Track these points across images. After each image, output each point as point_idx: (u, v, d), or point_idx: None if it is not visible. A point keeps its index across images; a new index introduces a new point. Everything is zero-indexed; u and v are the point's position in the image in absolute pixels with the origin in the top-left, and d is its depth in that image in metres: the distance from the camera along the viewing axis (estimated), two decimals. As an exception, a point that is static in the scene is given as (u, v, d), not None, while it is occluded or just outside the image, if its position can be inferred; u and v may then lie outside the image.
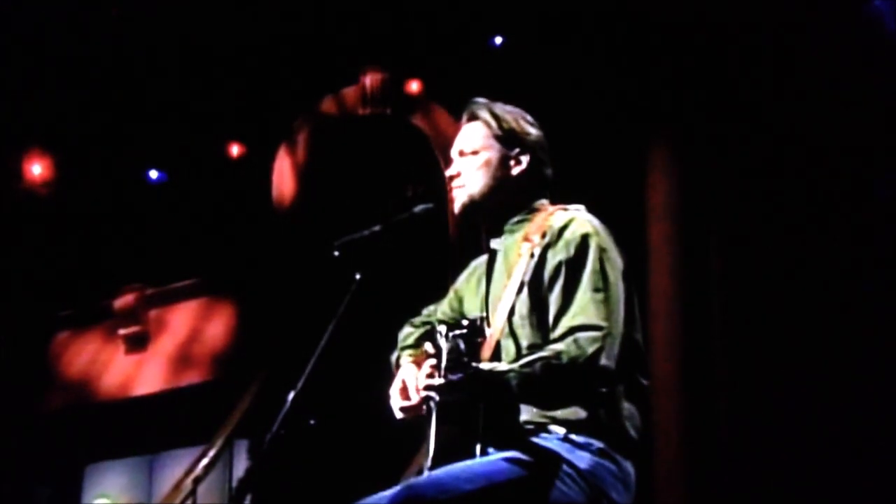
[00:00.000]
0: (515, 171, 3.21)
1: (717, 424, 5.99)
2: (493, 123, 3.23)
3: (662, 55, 6.41)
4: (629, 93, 6.54)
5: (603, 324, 2.95)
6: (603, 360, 2.91)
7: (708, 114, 6.23)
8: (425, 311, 3.47)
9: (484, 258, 3.32)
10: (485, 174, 3.20)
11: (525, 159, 3.21)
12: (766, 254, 6.01)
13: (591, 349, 2.91)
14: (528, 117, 3.29)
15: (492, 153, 3.21)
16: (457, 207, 3.23)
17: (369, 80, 7.80)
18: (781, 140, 6.00)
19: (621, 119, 6.58)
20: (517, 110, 3.29)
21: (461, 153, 3.25)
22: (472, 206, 3.21)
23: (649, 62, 6.46)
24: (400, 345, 3.40)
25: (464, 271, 3.41)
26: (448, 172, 3.26)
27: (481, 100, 3.29)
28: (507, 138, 3.22)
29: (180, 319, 8.38)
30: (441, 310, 3.41)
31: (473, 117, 3.27)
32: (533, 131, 3.26)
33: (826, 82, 5.92)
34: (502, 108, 3.27)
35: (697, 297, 6.17)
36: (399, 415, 3.21)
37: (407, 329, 3.44)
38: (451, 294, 3.41)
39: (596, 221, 3.14)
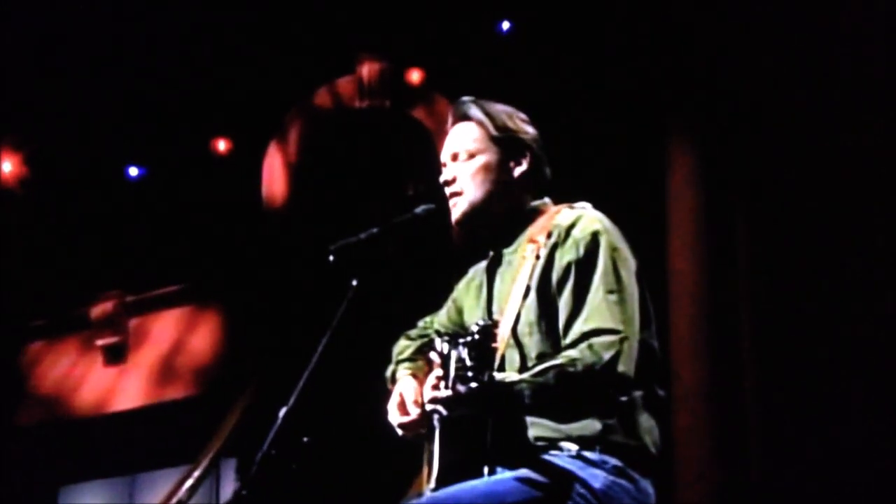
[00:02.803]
0: (516, 173, 3.22)
1: (745, 438, 5.98)
2: (489, 123, 3.23)
3: (681, 42, 6.42)
4: (647, 82, 6.55)
5: (619, 327, 2.96)
6: (621, 367, 2.93)
7: (730, 106, 6.23)
8: (421, 323, 3.48)
9: (483, 264, 3.33)
10: (484, 179, 3.20)
11: (525, 160, 3.22)
12: (796, 250, 6.01)
13: (607, 355, 2.92)
14: (521, 114, 3.29)
15: (490, 156, 3.22)
16: (455, 216, 3.23)
17: (366, 69, 7.81)
18: (806, 131, 6.01)
19: (639, 111, 6.59)
20: (509, 108, 3.29)
21: (454, 157, 3.24)
22: (472, 214, 3.21)
23: (667, 50, 6.47)
24: (395, 359, 3.40)
25: (462, 279, 3.42)
26: (442, 178, 3.26)
27: (469, 98, 3.28)
28: (505, 139, 3.22)
29: (163, 329, 8.40)
30: (438, 321, 3.42)
31: (464, 117, 3.27)
32: (529, 129, 3.27)
33: (850, 70, 5.94)
34: (494, 106, 3.27)
35: (723, 300, 6.16)
36: (399, 432, 3.22)
37: (402, 342, 3.44)
38: (449, 304, 3.41)
39: (605, 219, 3.15)
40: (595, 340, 2.94)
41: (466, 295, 3.35)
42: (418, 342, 3.40)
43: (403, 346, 3.42)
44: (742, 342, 6.06)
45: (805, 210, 6.01)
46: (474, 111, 3.26)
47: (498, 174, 3.22)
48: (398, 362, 3.38)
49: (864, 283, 5.83)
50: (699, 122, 6.39)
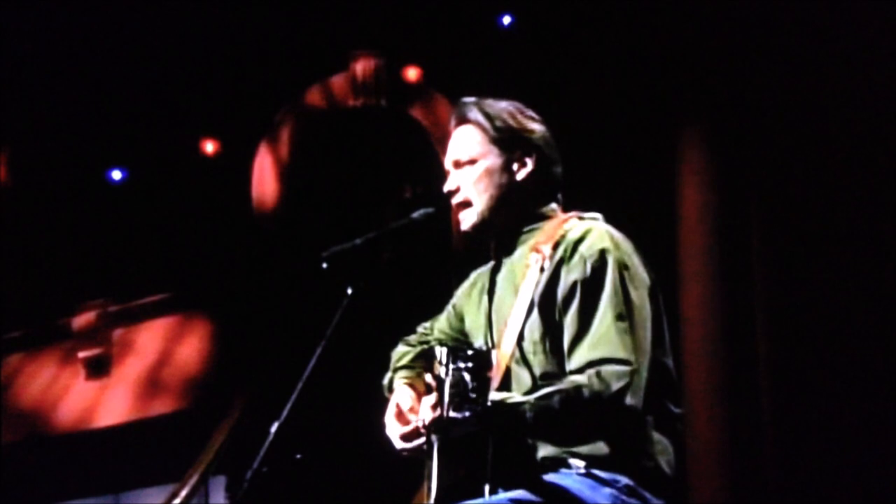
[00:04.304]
0: (521, 175, 3.20)
1: (762, 454, 5.99)
2: (487, 125, 3.21)
3: (690, 39, 6.42)
4: (656, 80, 6.55)
5: (629, 357, 2.95)
6: (629, 399, 2.93)
7: (742, 107, 6.23)
8: (421, 328, 3.47)
9: (486, 268, 3.32)
10: (487, 186, 3.19)
11: (530, 160, 3.20)
12: (812, 253, 6.01)
13: (616, 386, 2.92)
14: (528, 111, 3.26)
15: (491, 160, 3.20)
16: (464, 227, 3.23)
17: (361, 66, 7.82)
18: (821, 133, 6.02)
19: (648, 111, 6.59)
20: (514, 104, 3.26)
21: (457, 164, 3.24)
22: (481, 226, 3.21)
23: (677, 46, 6.47)
24: (393, 366, 3.40)
25: (463, 283, 3.41)
26: (446, 188, 3.25)
27: (470, 99, 3.26)
28: (507, 139, 3.20)
29: (148, 340, 8.39)
30: (439, 327, 3.42)
31: (463, 120, 3.25)
32: (535, 126, 3.23)
33: (865, 69, 5.95)
34: (496, 105, 3.24)
35: (737, 309, 6.17)
36: (398, 444, 3.22)
37: (401, 348, 3.44)
38: (449, 309, 3.41)
39: (616, 233, 3.13)
40: (604, 368, 2.94)
41: (468, 301, 3.35)
42: (418, 348, 3.40)
43: (402, 353, 3.42)
44: (758, 351, 6.06)
45: (820, 213, 6.02)
46: (472, 113, 3.24)
47: (500, 178, 3.20)
48: (396, 370, 3.38)
49: (886, 287, 5.84)
50: (711, 123, 6.40)
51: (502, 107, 3.25)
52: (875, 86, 5.97)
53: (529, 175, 3.21)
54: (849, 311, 5.88)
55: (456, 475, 2.98)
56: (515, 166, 3.21)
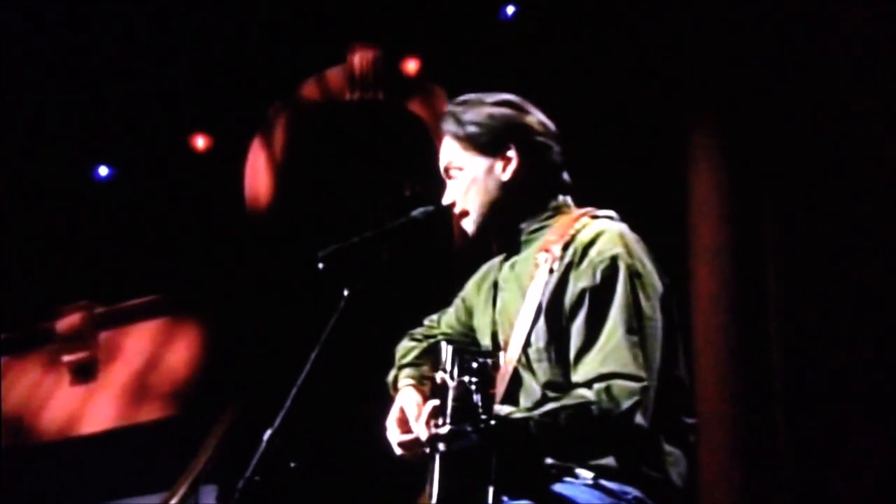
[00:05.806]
0: (507, 174, 3.18)
1: (776, 463, 5.99)
2: (461, 132, 3.20)
3: (702, 32, 6.43)
4: (666, 74, 6.55)
5: (641, 374, 2.94)
6: (638, 418, 2.92)
7: (756, 101, 6.23)
8: (427, 321, 3.47)
9: (497, 261, 3.32)
10: (477, 194, 3.20)
11: (512, 154, 3.18)
12: (828, 255, 6.01)
13: (626, 404, 2.92)
14: (511, 99, 3.23)
15: (474, 166, 3.20)
16: (469, 235, 3.24)
17: (358, 59, 7.82)
18: (835, 128, 6.02)
19: (657, 105, 6.58)
20: (491, 96, 3.23)
21: (447, 173, 3.26)
22: (481, 232, 3.22)
23: (687, 40, 6.47)
24: (398, 362, 3.39)
25: (473, 276, 3.41)
26: (444, 201, 3.26)
27: (449, 106, 3.26)
28: (484, 142, 3.19)
29: (136, 344, 8.40)
30: (446, 321, 3.42)
31: (443, 132, 3.26)
32: (516, 116, 3.21)
33: (878, 68, 5.95)
34: (468, 106, 3.22)
35: (751, 313, 6.16)
36: (397, 451, 3.22)
37: (406, 343, 3.43)
38: (458, 304, 3.41)
39: (629, 234, 3.11)
40: (615, 384, 2.93)
41: (477, 296, 3.35)
42: (424, 344, 3.40)
43: (407, 349, 3.41)
44: (772, 356, 6.06)
45: (836, 210, 6.02)
46: (446, 124, 3.24)
47: (487, 183, 3.20)
48: (401, 367, 3.37)
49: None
50: (722, 117, 6.40)
51: (476, 103, 3.23)
52: (889, 82, 5.97)
53: (517, 170, 3.19)
54: (866, 314, 5.88)
55: (458, 483, 2.97)
56: (500, 166, 3.19)
